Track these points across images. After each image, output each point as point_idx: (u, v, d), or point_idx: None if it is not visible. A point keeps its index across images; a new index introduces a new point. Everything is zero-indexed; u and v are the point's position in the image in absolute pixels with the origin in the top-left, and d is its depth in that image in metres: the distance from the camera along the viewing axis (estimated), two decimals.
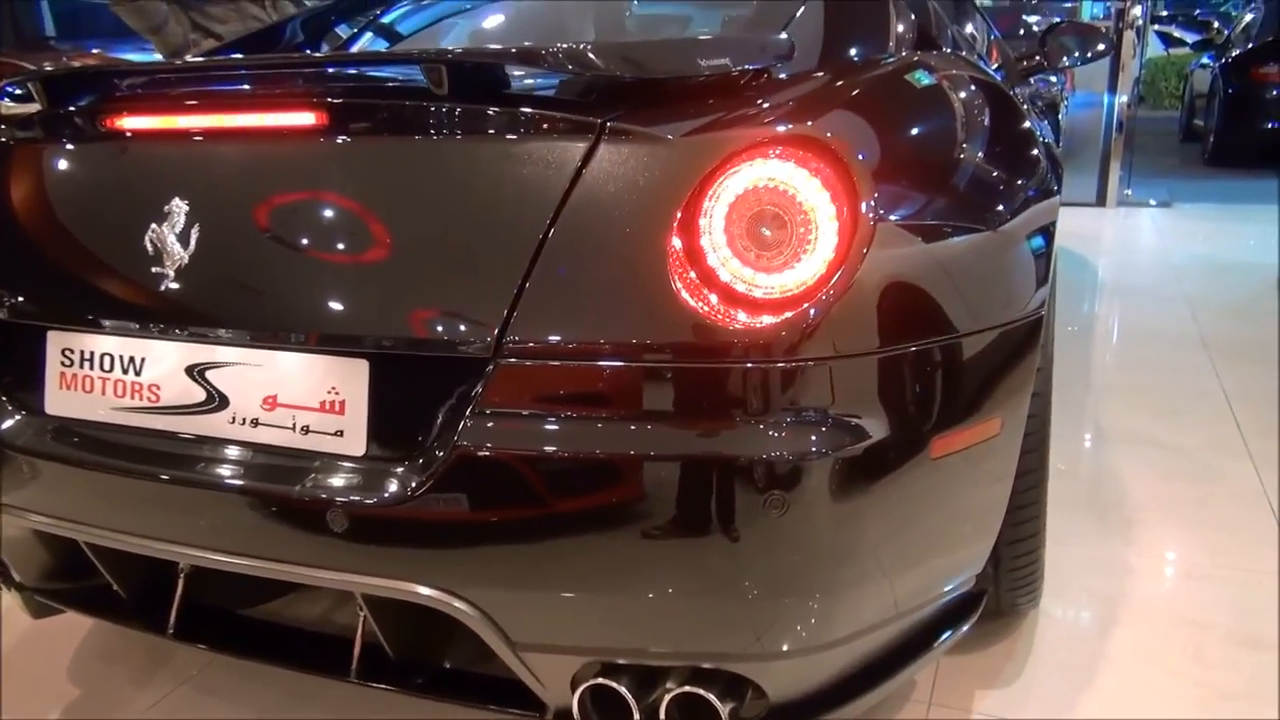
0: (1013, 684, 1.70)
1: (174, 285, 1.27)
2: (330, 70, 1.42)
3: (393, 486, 1.16)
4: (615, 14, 2.25)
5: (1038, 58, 3.12)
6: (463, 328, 1.14)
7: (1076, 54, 3.03)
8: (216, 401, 1.27)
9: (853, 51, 1.69)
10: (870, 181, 1.14)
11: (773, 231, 1.11)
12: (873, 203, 1.13)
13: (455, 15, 2.44)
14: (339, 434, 1.21)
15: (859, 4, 1.83)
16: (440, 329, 1.16)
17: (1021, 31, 6.90)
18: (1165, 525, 2.23)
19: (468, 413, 1.13)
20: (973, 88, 1.65)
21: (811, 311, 1.10)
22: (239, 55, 2.00)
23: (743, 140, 1.12)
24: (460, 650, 1.37)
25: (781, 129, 1.13)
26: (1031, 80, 3.17)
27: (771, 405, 1.11)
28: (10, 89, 1.43)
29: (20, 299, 1.39)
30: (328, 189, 1.26)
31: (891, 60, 1.60)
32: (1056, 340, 1.85)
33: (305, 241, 1.26)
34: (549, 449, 1.12)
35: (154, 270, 1.27)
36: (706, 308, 1.10)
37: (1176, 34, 10.15)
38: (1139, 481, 2.44)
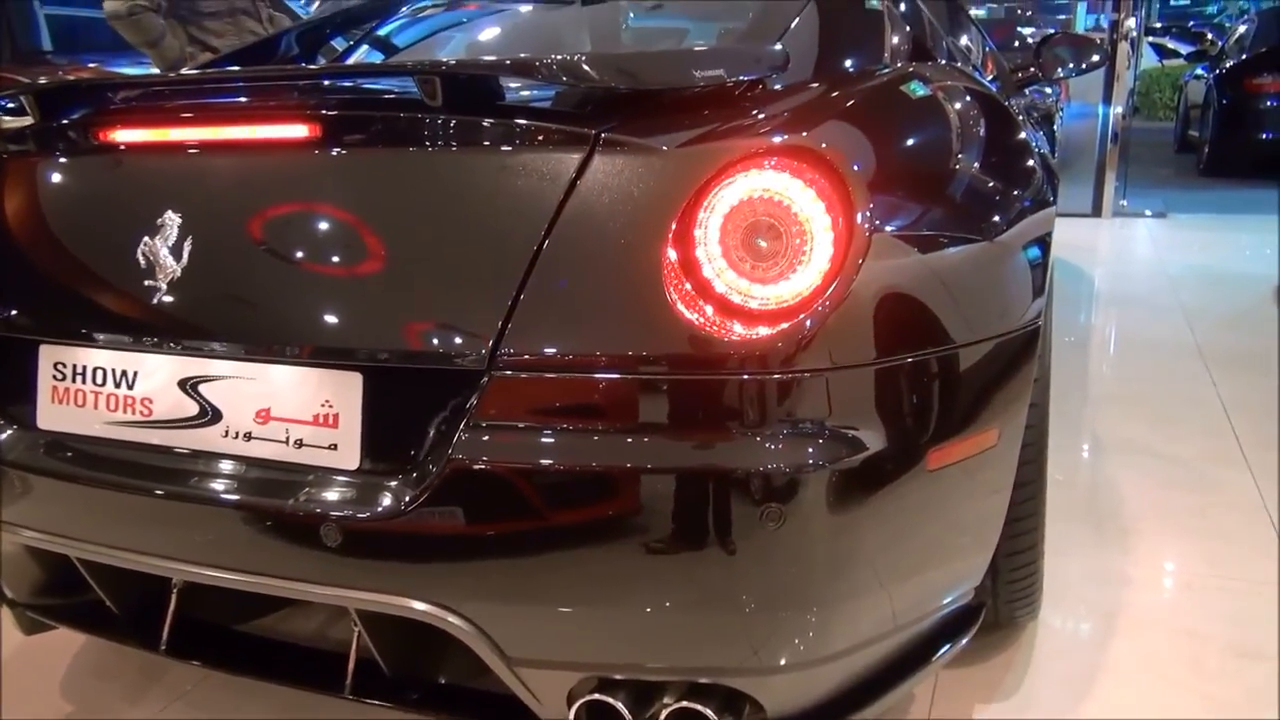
0: (1012, 696, 1.69)
1: (167, 298, 1.26)
2: (324, 82, 1.41)
3: (387, 500, 1.16)
4: (611, 27, 2.26)
5: (1033, 69, 3.13)
6: (457, 340, 1.14)
7: (1072, 65, 3.05)
8: (209, 415, 1.26)
9: (848, 63, 1.70)
10: (866, 192, 1.14)
11: (768, 243, 1.11)
12: (868, 213, 1.13)
13: (451, 28, 2.44)
14: (333, 447, 1.20)
15: (853, 16, 1.84)
16: (435, 341, 1.15)
17: (1016, 43, 6.93)
18: (1163, 535, 2.22)
19: (462, 426, 1.12)
20: (968, 99, 1.65)
21: (807, 323, 1.10)
22: (233, 68, 2.00)
23: (738, 151, 1.12)
24: (455, 665, 1.36)
25: (777, 140, 1.13)
26: (1027, 91, 3.18)
27: (768, 417, 1.10)
28: (3, 103, 1.43)
29: (12, 312, 1.38)
30: (321, 201, 1.26)
31: (886, 71, 1.61)
32: (1053, 351, 1.85)
33: (299, 254, 1.26)
34: (544, 462, 1.11)
35: (147, 283, 1.27)
36: (702, 319, 1.10)
37: (1170, 45, 10.20)
38: (1136, 491, 2.43)
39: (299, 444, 1.22)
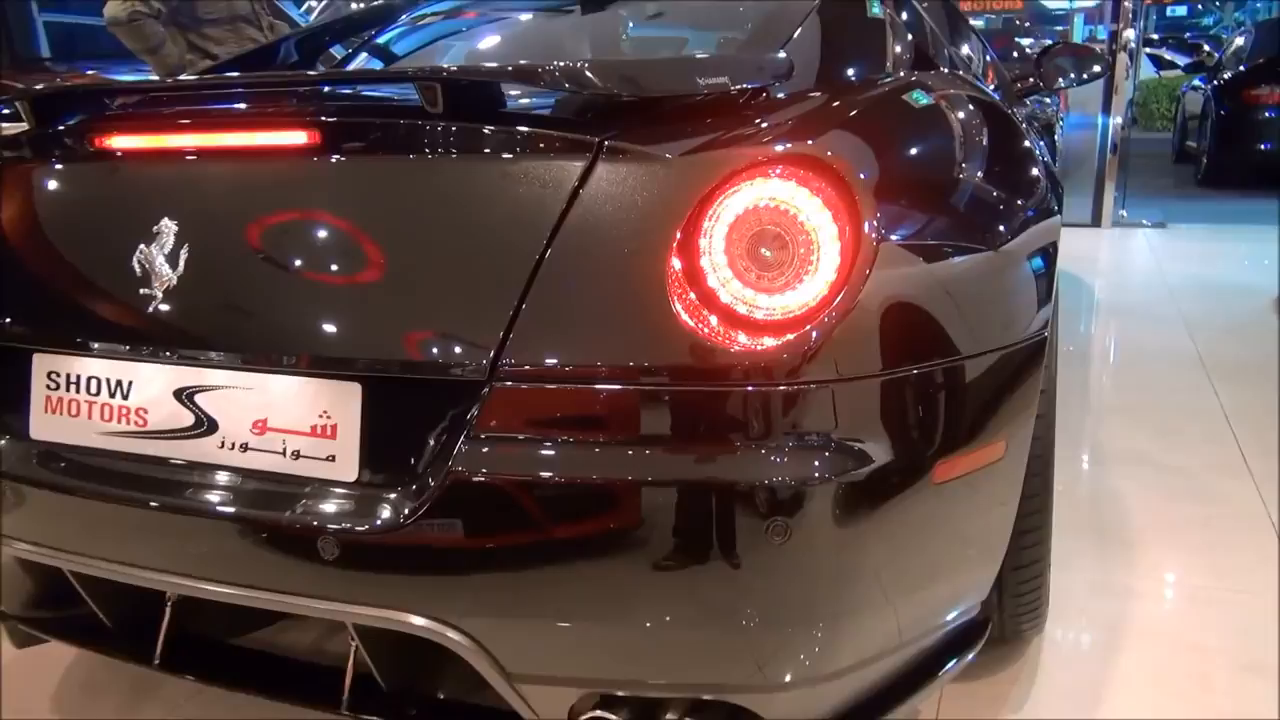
0: (1019, 711, 1.67)
1: (163, 307, 1.24)
2: (323, 89, 1.40)
3: (385, 513, 1.14)
4: (611, 35, 2.25)
5: (1033, 79, 3.13)
6: (458, 350, 1.12)
7: (1073, 75, 3.04)
8: (205, 426, 1.24)
9: (851, 71, 1.68)
10: (872, 201, 1.12)
11: (774, 252, 1.09)
12: (875, 222, 1.11)
13: (450, 36, 2.43)
14: (331, 459, 1.18)
15: (856, 25, 1.82)
16: (435, 351, 1.13)
17: (1015, 54, 6.94)
18: (1167, 547, 2.20)
19: (463, 437, 1.11)
20: (972, 107, 1.64)
21: (814, 334, 1.08)
22: (232, 74, 1.99)
23: (743, 159, 1.10)
24: (454, 680, 1.34)
25: (783, 148, 1.12)
26: (1027, 101, 3.17)
27: (773, 429, 1.09)
28: None
29: (5, 321, 1.36)
30: (320, 209, 1.24)
31: (890, 80, 1.59)
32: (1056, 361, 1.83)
33: (297, 262, 1.24)
34: (546, 474, 1.09)
35: (142, 292, 1.25)
36: (707, 329, 1.08)
37: (1167, 56, 10.24)
38: (1139, 503, 2.41)
39: (296, 455, 1.20)
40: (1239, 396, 3.15)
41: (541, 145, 1.16)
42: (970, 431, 1.25)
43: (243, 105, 1.36)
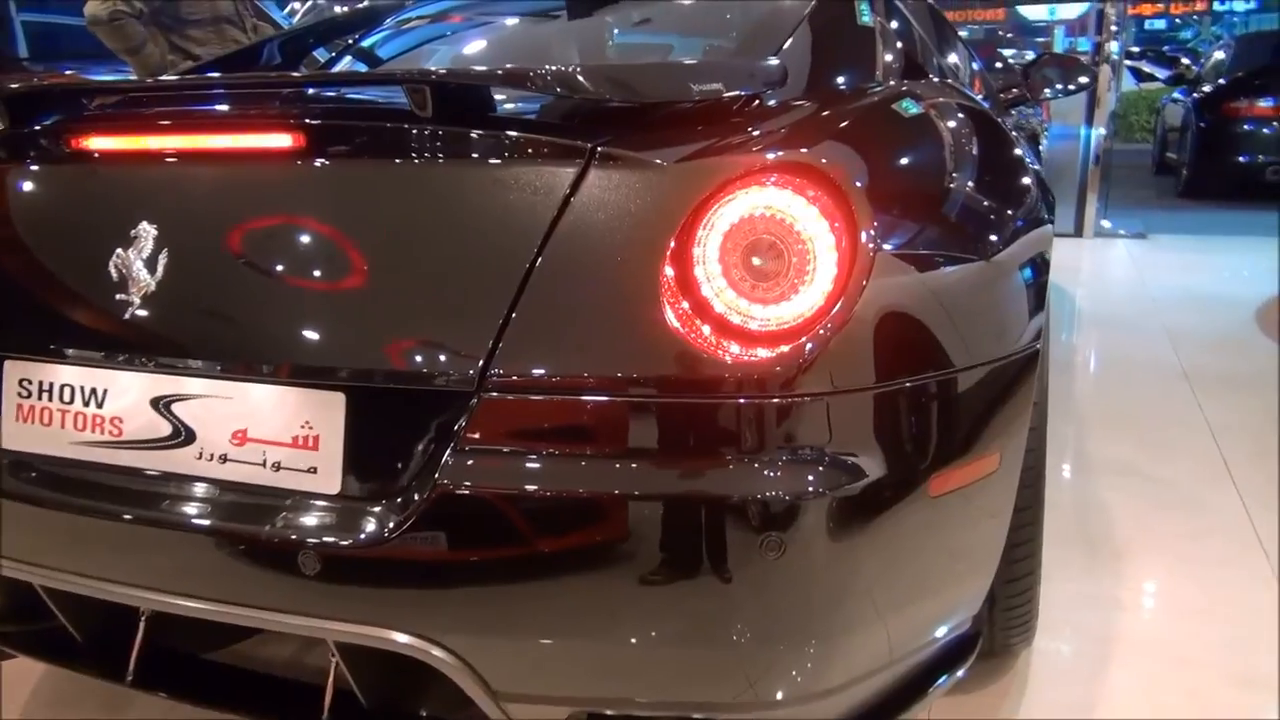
0: None
1: (139, 313, 1.21)
2: (308, 91, 1.37)
3: (369, 527, 1.11)
4: (597, 42, 2.22)
5: (1016, 90, 3.12)
6: (445, 360, 1.09)
7: (1059, 86, 3.04)
8: (183, 436, 1.21)
9: (843, 80, 1.67)
10: (869, 210, 1.10)
11: (769, 262, 1.07)
12: (872, 232, 1.10)
13: (435, 40, 2.40)
14: (312, 471, 1.15)
15: (846, 33, 1.81)
16: (421, 361, 1.10)
17: (999, 64, 6.97)
18: (1155, 560, 2.20)
19: (450, 449, 1.08)
20: (963, 116, 1.63)
21: (809, 345, 1.06)
22: (214, 74, 1.95)
23: (739, 167, 1.08)
24: (438, 698, 1.30)
25: (779, 155, 1.10)
26: (1013, 112, 3.17)
27: (767, 442, 1.07)
28: None
29: None
30: (305, 214, 1.21)
31: (881, 89, 1.58)
32: None
33: (279, 268, 1.21)
34: (535, 487, 1.06)
35: (118, 297, 1.21)
36: (700, 340, 1.06)
37: (1147, 69, 10.31)
38: (1127, 515, 2.41)
39: (277, 467, 1.16)
40: (1223, 408, 3.16)
41: (533, 151, 1.13)
42: (966, 444, 1.23)
43: (225, 107, 1.33)
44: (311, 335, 1.17)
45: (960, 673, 1.42)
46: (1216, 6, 19.90)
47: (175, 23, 3.44)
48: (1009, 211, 1.48)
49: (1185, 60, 9.72)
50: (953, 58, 2.66)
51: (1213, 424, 3.02)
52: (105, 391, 1.25)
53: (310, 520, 1.14)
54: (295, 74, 2.06)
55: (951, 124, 1.57)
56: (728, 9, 2.14)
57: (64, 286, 1.31)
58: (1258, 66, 7.85)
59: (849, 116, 1.33)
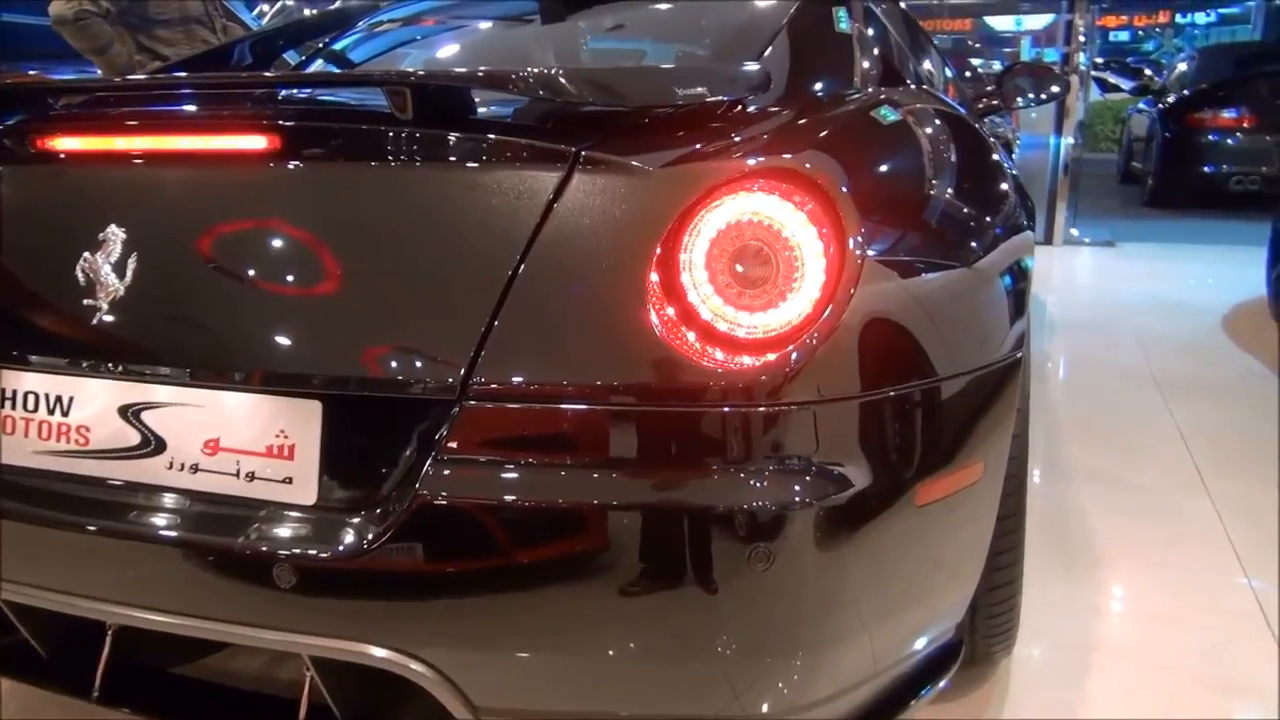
0: None
1: (107, 319, 1.17)
2: (284, 91, 1.33)
3: (347, 538, 1.08)
4: (571, 49, 2.20)
5: (985, 99, 3.14)
6: (426, 367, 1.06)
7: (1031, 95, 3.06)
8: (153, 445, 1.17)
9: (824, 87, 1.66)
10: (857, 216, 1.09)
11: (757, 268, 1.06)
12: (860, 238, 1.08)
13: (407, 44, 2.37)
14: (288, 481, 1.12)
15: (826, 40, 1.80)
16: (402, 368, 1.08)
17: (967, 73, 7.03)
18: (1131, 567, 2.20)
19: (430, 459, 1.05)
20: (944, 123, 1.63)
21: (796, 353, 1.05)
22: (186, 74, 1.91)
23: (726, 172, 1.07)
24: (415, 712, 1.27)
25: (767, 160, 1.08)
26: (987, 120, 3.19)
27: (754, 452, 1.05)
28: None
29: None
30: (280, 218, 1.18)
31: (862, 96, 1.57)
32: None
33: (254, 273, 1.17)
34: (518, 498, 1.04)
35: (85, 302, 1.18)
36: (686, 347, 1.04)
37: (1111, 80, 10.45)
38: (1102, 522, 2.41)
39: (250, 477, 1.13)
40: (1193, 414, 3.19)
41: (515, 154, 1.11)
42: (951, 452, 1.22)
43: (198, 107, 1.29)
44: (287, 342, 1.14)
45: (944, 682, 1.41)
46: (1178, 19, 20.27)
47: (143, 23, 3.38)
48: (991, 218, 1.48)
49: (1148, 71, 9.87)
50: (927, 65, 2.67)
51: (1184, 429, 3.05)
52: (71, 399, 1.21)
53: (285, 532, 1.11)
54: (269, 74, 2.03)
55: (932, 130, 1.56)
56: (704, 15, 2.13)
57: (28, 291, 1.27)
58: (1221, 78, 7.98)
59: (833, 123, 1.32)
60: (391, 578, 1.08)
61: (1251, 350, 3.95)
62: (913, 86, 1.96)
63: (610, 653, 1.08)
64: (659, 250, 1.05)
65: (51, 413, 1.22)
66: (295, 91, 1.36)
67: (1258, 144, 7.39)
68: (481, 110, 1.19)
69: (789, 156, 1.11)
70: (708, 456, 1.05)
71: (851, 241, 1.08)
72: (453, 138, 1.13)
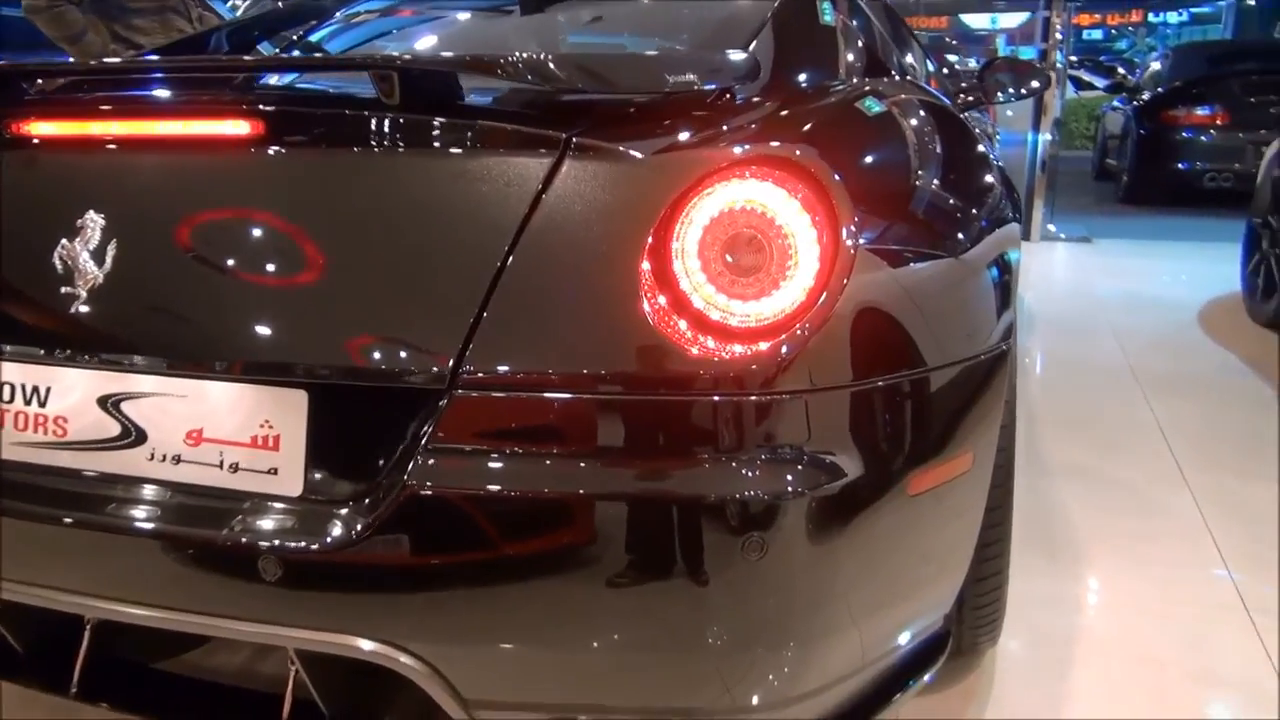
0: None
1: (85, 307, 1.14)
2: (267, 76, 1.31)
3: (333, 530, 1.06)
4: (551, 41, 2.18)
5: (965, 94, 3.14)
6: (414, 356, 1.05)
7: (1013, 90, 3.07)
8: (133, 436, 1.15)
9: (811, 77, 1.65)
10: (850, 205, 1.08)
11: (750, 256, 1.05)
12: (853, 228, 1.08)
13: (385, 35, 2.34)
14: (273, 472, 1.10)
15: (811, 31, 1.79)
16: (389, 358, 1.06)
17: (945, 69, 7.06)
18: (1112, 561, 2.21)
19: (419, 449, 1.03)
20: (929, 114, 1.62)
21: (789, 342, 1.04)
22: (166, 58, 1.88)
23: (719, 159, 1.06)
24: (403, 705, 1.26)
25: (761, 148, 1.08)
26: (968, 115, 3.19)
27: (746, 441, 1.04)
28: None
29: None
30: (264, 204, 1.16)
31: (848, 86, 1.56)
32: None
33: (237, 261, 1.15)
34: (509, 488, 1.02)
35: (63, 290, 1.15)
36: (678, 336, 1.03)
37: (1086, 78, 10.54)
38: (1083, 516, 2.43)
39: (234, 468, 1.11)
40: (1171, 409, 3.21)
41: (505, 141, 1.10)
42: (942, 442, 1.22)
43: (180, 91, 1.27)
44: (271, 331, 1.12)
45: (931, 673, 1.41)
46: (1151, 19, 20.49)
47: (118, 11, 3.32)
48: (979, 210, 1.47)
49: (1122, 70, 9.96)
50: (911, 58, 2.67)
51: (1162, 423, 3.07)
52: (49, 389, 1.18)
53: (271, 523, 1.09)
54: (251, 59, 1.99)
55: (920, 121, 1.56)
56: (686, 8, 2.12)
57: (4, 279, 1.24)
58: (1194, 76, 8.05)
59: (823, 112, 1.31)
60: (379, 569, 1.07)
61: (1227, 345, 3.99)
62: (897, 78, 1.96)
63: (601, 645, 1.07)
64: (651, 238, 1.04)
65: (28, 403, 1.19)
66: (279, 76, 1.33)
67: (1231, 141, 7.47)
68: (470, 96, 1.17)
69: (783, 144, 1.10)
70: (700, 446, 1.04)
71: (845, 230, 1.07)
72: (441, 123, 1.11)
